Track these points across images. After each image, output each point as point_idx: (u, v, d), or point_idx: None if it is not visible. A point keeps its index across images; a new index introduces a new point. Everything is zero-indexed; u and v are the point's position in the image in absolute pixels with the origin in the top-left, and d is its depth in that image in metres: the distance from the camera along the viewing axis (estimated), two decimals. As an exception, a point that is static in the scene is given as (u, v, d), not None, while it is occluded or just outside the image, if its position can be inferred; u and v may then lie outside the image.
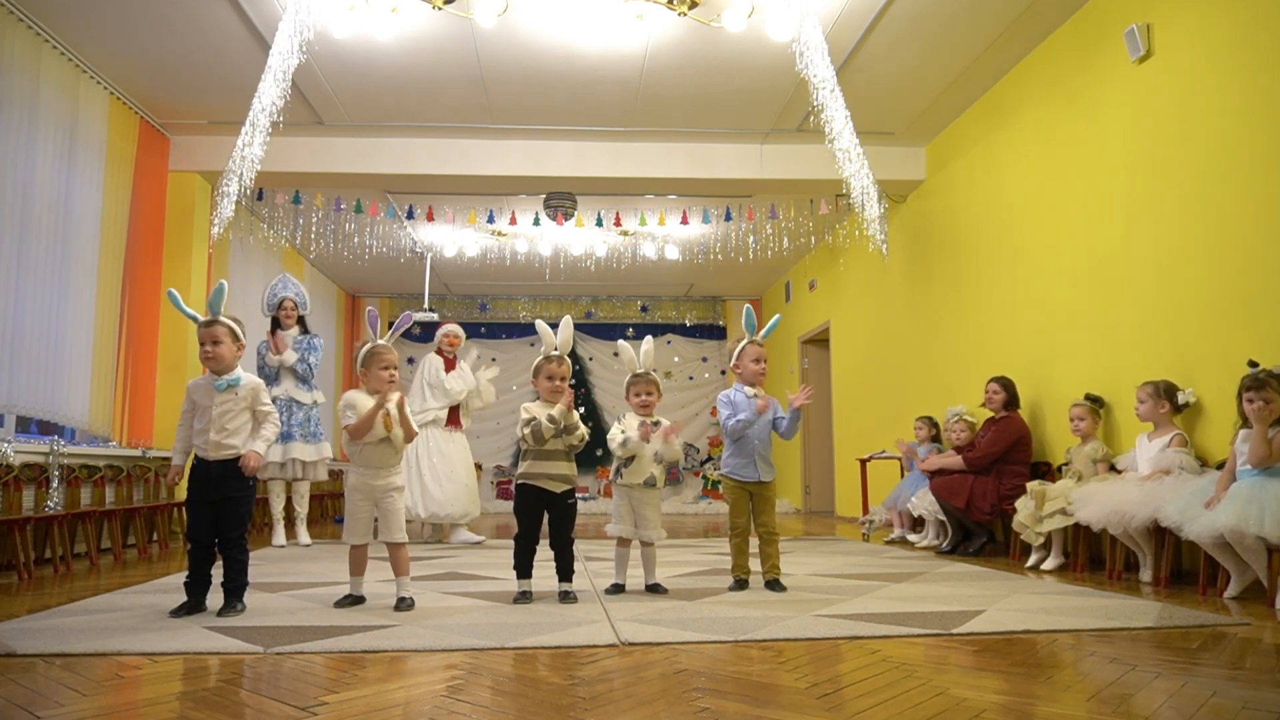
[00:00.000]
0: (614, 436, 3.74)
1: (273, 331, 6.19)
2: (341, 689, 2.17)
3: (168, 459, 6.60)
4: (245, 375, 3.37)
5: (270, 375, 6.09)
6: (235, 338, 3.36)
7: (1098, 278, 5.10)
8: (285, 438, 6.02)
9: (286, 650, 2.59)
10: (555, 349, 3.65)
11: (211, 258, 7.31)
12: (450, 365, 6.40)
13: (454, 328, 6.49)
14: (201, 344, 3.32)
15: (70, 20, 5.25)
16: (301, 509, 6.26)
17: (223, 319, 3.34)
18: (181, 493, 5.87)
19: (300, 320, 6.29)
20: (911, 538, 6.40)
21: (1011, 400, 5.65)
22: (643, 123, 6.84)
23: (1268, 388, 3.56)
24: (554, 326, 3.70)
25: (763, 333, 3.94)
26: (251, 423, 3.35)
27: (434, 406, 6.21)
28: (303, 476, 6.16)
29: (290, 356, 6.10)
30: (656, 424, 3.77)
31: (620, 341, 4.03)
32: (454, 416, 6.38)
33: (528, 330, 12.68)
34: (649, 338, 3.91)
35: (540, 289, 12.29)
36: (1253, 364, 3.68)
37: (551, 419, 3.54)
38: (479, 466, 7.77)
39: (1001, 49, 5.71)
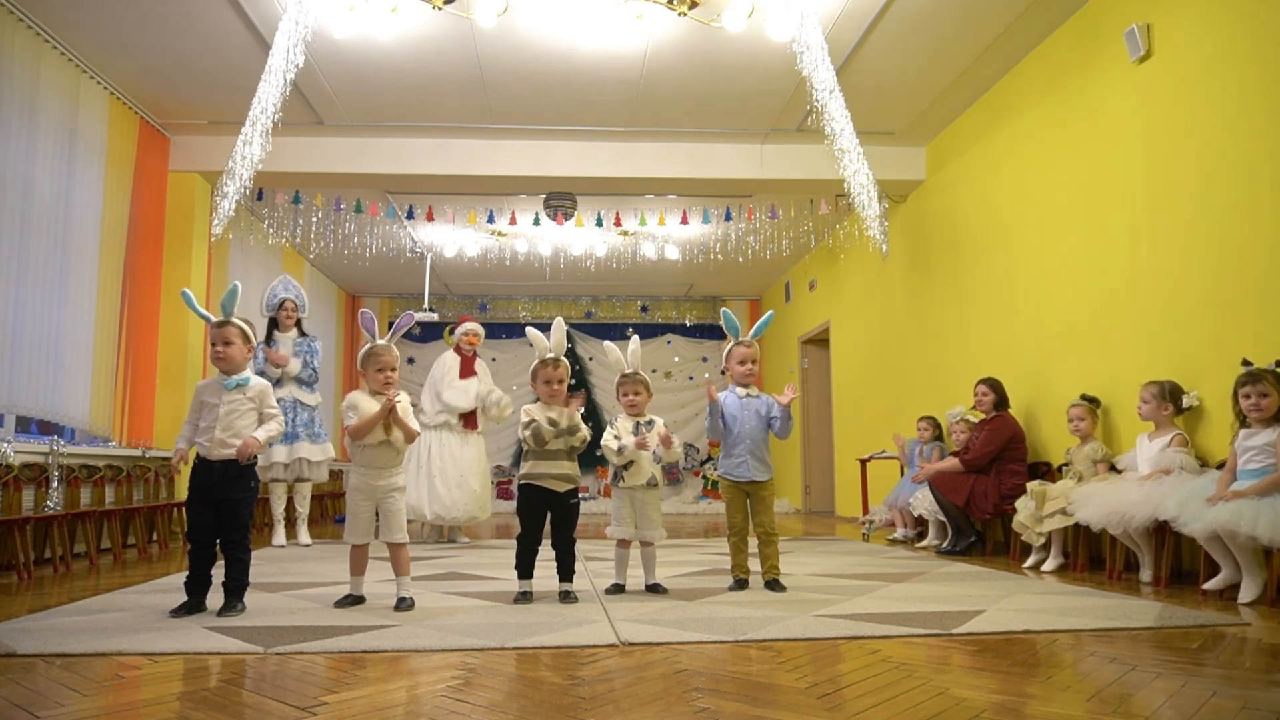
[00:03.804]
0: (608, 443, 3.74)
1: (269, 336, 6.18)
2: (341, 689, 2.17)
3: (168, 459, 6.64)
4: (254, 377, 3.40)
5: (272, 380, 6.09)
6: (246, 339, 3.39)
7: (1097, 278, 5.10)
8: (291, 438, 6.05)
9: (286, 650, 2.59)
10: (550, 352, 3.65)
11: (211, 258, 7.32)
12: (468, 364, 6.31)
13: (474, 326, 6.41)
14: (213, 344, 3.34)
15: (70, 20, 5.26)
16: (303, 509, 6.26)
17: (235, 320, 3.37)
18: (182, 492, 5.87)
19: (298, 322, 6.30)
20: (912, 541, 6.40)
21: (1001, 400, 5.65)
22: (643, 123, 6.84)
23: (1264, 381, 3.56)
24: (545, 329, 3.70)
25: (752, 332, 3.94)
26: (257, 424, 3.37)
27: (442, 409, 6.17)
28: (307, 476, 6.18)
29: (295, 366, 6.12)
30: (650, 424, 3.77)
31: (606, 343, 4.01)
32: (471, 419, 6.28)
33: (528, 330, 12.67)
34: (635, 338, 3.93)
35: (540, 289, 12.29)
36: (1246, 363, 3.69)
37: (552, 421, 3.54)
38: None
39: (1001, 49, 5.71)
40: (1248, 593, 3.45)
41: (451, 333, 6.62)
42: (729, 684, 2.20)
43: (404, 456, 3.55)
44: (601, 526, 7.71)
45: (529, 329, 3.75)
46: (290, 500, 6.27)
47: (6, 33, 5.06)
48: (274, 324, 6.24)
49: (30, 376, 5.26)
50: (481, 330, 6.48)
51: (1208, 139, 4.26)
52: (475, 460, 6.23)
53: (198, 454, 3.31)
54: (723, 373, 4.13)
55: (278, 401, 5.97)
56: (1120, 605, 3.34)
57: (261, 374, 6.08)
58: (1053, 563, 4.69)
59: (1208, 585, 3.58)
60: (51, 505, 4.90)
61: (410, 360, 12.34)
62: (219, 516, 3.28)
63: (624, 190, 7.70)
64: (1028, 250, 5.85)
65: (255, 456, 3.32)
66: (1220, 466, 3.84)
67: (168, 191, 6.92)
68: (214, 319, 3.38)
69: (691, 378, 12.92)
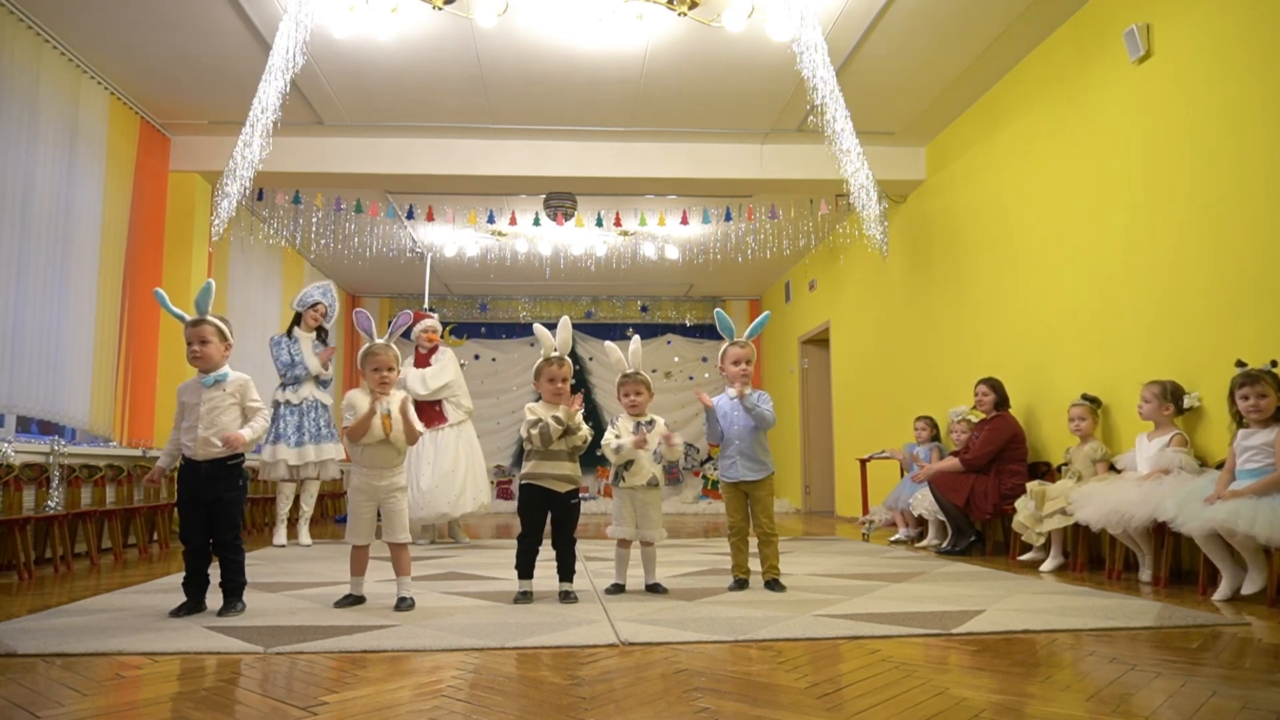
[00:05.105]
0: (608, 442, 3.75)
1: (290, 329, 6.27)
2: (342, 689, 2.17)
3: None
4: (233, 372, 3.36)
5: (299, 378, 6.12)
6: (223, 337, 3.34)
7: (1097, 278, 5.10)
8: (319, 438, 6.12)
9: (286, 650, 2.59)
10: (555, 350, 3.65)
11: (212, 258, 7.32)
12: (423, 361, 6.22)
13: (431, 322, 6.31)
14: (189, 343, 3.29)
15: (70, 20, 5.26)
16: (308, 508, 6.26)
17: (210, 318, 3.31)
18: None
19: (319, 329, 6.34)
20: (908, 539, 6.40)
21: (1001, 400, 5.65)
22: (643, 123, 6.84)
23: (1262, 382, 3.56)
24: (552, 329, 3.70)
25: (747, 332, 3.93)
26: (241, 420, 3.34)
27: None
28: (322, 475, 6.20)
29: (324, 372, 6.27)
30: (651, 423, 3.78)
31: (607, 343, 3.99)
32: (432, 415, 6.11)
33: (528, 330, 12.68)
34: (636, 337, 3.93)
35: (540, 289, 12.29)
36: (1241, 364, 3.69)
37: (558, 420, 3.54)
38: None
39: (1001, 49, 5.71)
40: (1252, 585, 3.46)
41: (452, 333, 6.60)
42: (729, 684, 2.20)
43: (405, 456, 3.54)
44: (602, 526, 7.71)
45: (536, 326, 3.75)
46: (296, 499, 6.27)
47: (6, 33, 5.06)
48: (296, 321, 6.29)
49: (30, 376, 5.26)
50: (438, 326, 6.40)
51: (1207, 139, 4.26)
52: (435, 457, 6.01)
53: (184, 455, 3.28)
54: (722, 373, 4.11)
55: (302, 401, 6.10)
56: (1120, 605, 3.34)
57: (291, 364, 6.11)
58: (1052, 562, 4.69)
59: (1215, 597, 3.56)
60: (52, 505, 4.90)
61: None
62: (210, 516, 3.27)
63: (624, 190, 7.69)
64: (1028, 250, 5.85)
65: (243, 454, 3.30)
66: (1219, 466, 3.84)
67: (168, 192, 6.92)
68: (188, 318, 3.32)
69: (691, 378, 12.93)
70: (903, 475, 6.87)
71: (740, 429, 3.84)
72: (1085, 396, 4.94)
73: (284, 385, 6.13)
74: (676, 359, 12.96)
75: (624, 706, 2.00)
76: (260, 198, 7.55)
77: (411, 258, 9.73)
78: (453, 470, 6.04)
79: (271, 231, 8.66)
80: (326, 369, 6.31)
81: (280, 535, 6.11)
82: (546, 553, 3.59)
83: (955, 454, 5.85)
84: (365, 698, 2.08)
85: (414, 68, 5.90)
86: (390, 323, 3.68)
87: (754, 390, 3.90)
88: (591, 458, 11.78)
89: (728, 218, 8.27)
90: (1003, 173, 6.18)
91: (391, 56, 5.73)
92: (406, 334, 5.81)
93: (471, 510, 6.12)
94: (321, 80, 6.06)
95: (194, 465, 3.25)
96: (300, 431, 6.05)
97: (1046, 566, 4.68)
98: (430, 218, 8.14)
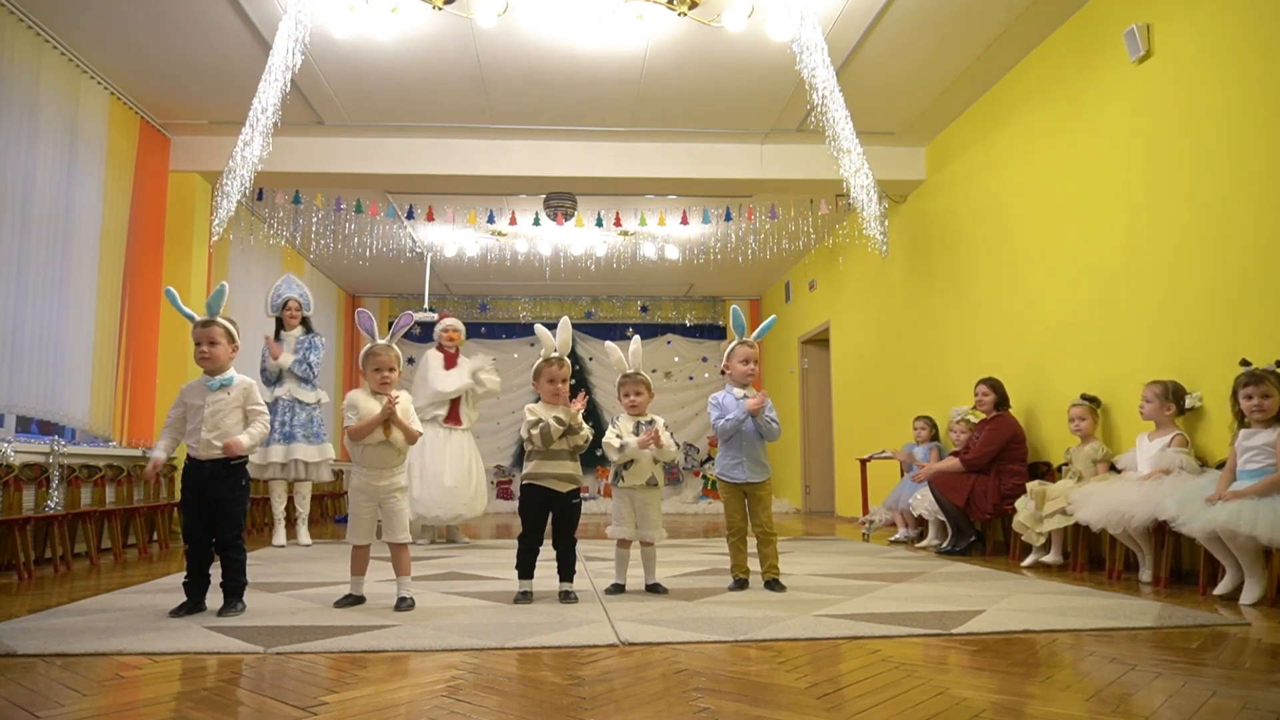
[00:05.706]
0: (610, 442, 3.75)
1: (276, 334, 6.24)
2: (342, 689, 2.17)
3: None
4: (238, 375, 3.39)
5: (272, 377, 6.12)
6: (231, 338, 3.37)
7: (1097, 278, 5.10)
8: (288, 438, 6.05)
9: (286, 650, 2.59)
10: (555, 351, 3.66)
11: (211, 258, 7.32)
12: (451, 360, 6.29)
13: (453, 321, 6.40)
14: (198, 344, 3.31)
15: (70, 20, 5.26)
16: (303, 509, 6.25)
17: (219, 320, 3.35)
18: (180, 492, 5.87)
19: (304, 321, 6.31)
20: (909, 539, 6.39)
21: (1002, 400, 5.65)
22: (643, 123, 6.84)
23: (1266, 382, 3.55)
24: (552, 329, 3.70)
25: (755, 334, 3.94)
26: (243, 422, 3.37)
27: (424, 405, 6.03)
28: (305, 477, 6.17)
29: (287, 359, 6.13)
30: (650, 423, 3.78)
31: (608, 343, 3.99)
32: (453, 413, 6.23)
33: (528, 330, 12.69)
34: (636, 337, 3.93)
35: (540, 289, 12.29)
36: (1245, 363, 3.68)
37: (560, 420, 3.54)
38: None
39: (1001, 49, 5.71)
40: (1250, 594, 3.45)
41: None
42: (729, 684, 2.20)
43: (405, 456, 3.54)
44: (601, 526, 7.71)
45: (538, 326, 3.75)
46: (291, 500, 6.27)
47: (6, 33, 5.06)
48: (280, 324, 6.27)
49: (30, 376, 5.26)
50: (461, 326, 6.45)
51: (1207, 139, 4.26)
52: (455, 456, 6.08)
53: (188, 455, 3.30)
54: (723, 372, 4.11)
55: (276, 400, 6.08)
56: (1120, 605, 3.34)
57: (264, 369, 6.12)
58: (1052, 558, 4.70)
59: (1218, 590, 3.56)
60: (52, 505, 4.90)
61: (410, 360, 12.33)
62: (212, 516, 3.28)
63: (624, 190, 7.69)
64: (1028, 250, 5.85)
65: (245, 456, 3.32)
66: (1220, 466, 3.84)
67: (168, 191, 6.92)
68: (198, 318, 3.35)
69: (691, 378, 12.93)
70: (903, 475, 6.87)
71: (747, 430, 3.84)
72: (1085, 396, 4.94)
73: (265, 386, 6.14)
74: (676, 359, 12.96)
75: (624, 706, 2.00)
76: (260, 198, 7.55)
77: (411, 258, 9.73)
78: (469, 471, 6.15)
79: (271, 231, 8.66)
80: (277, 358, 6.12)
81: (280, 535, 6.11)
82: (546, 553, 3.59)
83: (955, 454, 5.85)
84: (365, 698, 2.08)
85: (414, 68, 5.90)
86: (391, 323, 3.68)
87: (757, 394, 3.90)
88: (591, 458, 11.83)
89: (728, 218, 8.27)
90: (1003, 173, 6.18)
91: (391, 56, 5.73)
92: (409, 335, 5.84)
93: (480, 512, 6.27)
94: (321, 80, 6.06)
95: (198, 465, 3.27)
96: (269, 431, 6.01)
97: (1047, 559, 4.69)
98: (430, 218, 8.14)
